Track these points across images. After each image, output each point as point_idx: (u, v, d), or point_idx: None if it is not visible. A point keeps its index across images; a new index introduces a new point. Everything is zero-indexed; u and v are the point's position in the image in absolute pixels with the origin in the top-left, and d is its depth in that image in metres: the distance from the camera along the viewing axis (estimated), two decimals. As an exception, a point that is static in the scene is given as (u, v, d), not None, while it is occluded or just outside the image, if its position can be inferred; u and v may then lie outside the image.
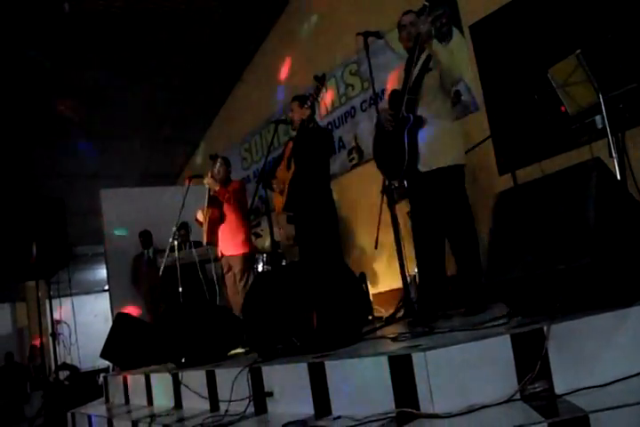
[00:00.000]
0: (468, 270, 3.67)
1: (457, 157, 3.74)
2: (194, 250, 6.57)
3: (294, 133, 4.90)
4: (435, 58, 3.64)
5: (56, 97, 8.88)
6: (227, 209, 5.87)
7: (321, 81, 4.47)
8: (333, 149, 5.00)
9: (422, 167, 3.65)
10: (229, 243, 5.86)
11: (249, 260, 5.93)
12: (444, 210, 3.69)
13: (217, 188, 5.73)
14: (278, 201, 4.89)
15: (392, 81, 3.82)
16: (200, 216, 6.03)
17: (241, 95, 9.92)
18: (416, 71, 3.64)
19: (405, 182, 3.74)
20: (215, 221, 5.92)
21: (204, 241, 6.04)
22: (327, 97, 4.55)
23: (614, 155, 3.71)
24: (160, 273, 6.17)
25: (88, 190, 9.33)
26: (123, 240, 8.64)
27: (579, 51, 3.83)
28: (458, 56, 5.66)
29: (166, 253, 6.24)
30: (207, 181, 5.81)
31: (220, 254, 5.95)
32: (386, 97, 3.92)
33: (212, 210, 5.90)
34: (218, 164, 5.92)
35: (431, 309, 3.59)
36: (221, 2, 8.01)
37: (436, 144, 3.66)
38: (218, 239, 5.92)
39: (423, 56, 3.68)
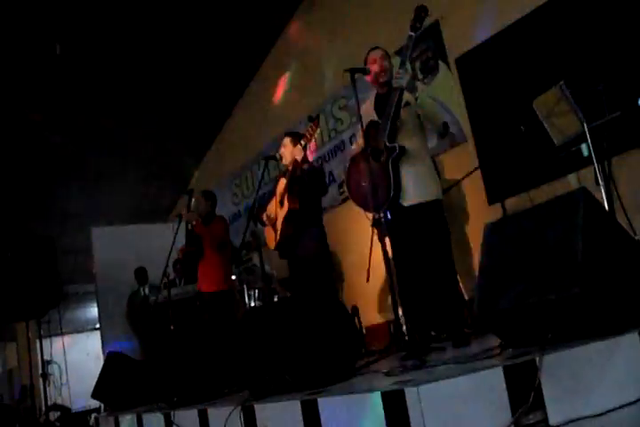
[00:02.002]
0: (449, 304, 3.66)
1: (436, 191, 3.76)
2: (182, 287, 6.54)
3: (284, 169, 4.92)
4: (419, 109, 3.69)
5: (47, 134, 8.92)
6: (206, 245, 5.84)
7: (315, 122, 4.49)
8: (327, 188, 5.01)
9: (405, 201, 3.65)
10: (208, 280, 5.82)
11: (227, 297, 5.88)
12: (425, 244, 3.69)
13: (194, 222, 5.74)
14: (270, 236, 4.88)
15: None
16: (180, 255, 6.03)
17: (232, 131, 9.99)
18: (393, 105, 3.66)
19: (388, 214, 3.70)
20: (191, 257, 5.89)
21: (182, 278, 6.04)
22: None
23: (601, 182, 3.75)
24: (151, 310, 6.14)
25: (78, 229, 9.32)
26: (114, 278, 8.59)
27: (562, 82, 3.89)
28: (444, 89, 5.76)
29: (157, 291, 6.22)
30: (185, 217, 5.81)
31: (199, 290, 5.93)
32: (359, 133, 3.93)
33: (189, 246, 5.88)
34: (194, 199, 5.93)
35: (422, 342, 3.56)
36: (211, 38, 8.11)
37: (419, 178, 3.68)
38: (196, 275, 5.90)
39: (396, 92, 3.69)
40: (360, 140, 3.94)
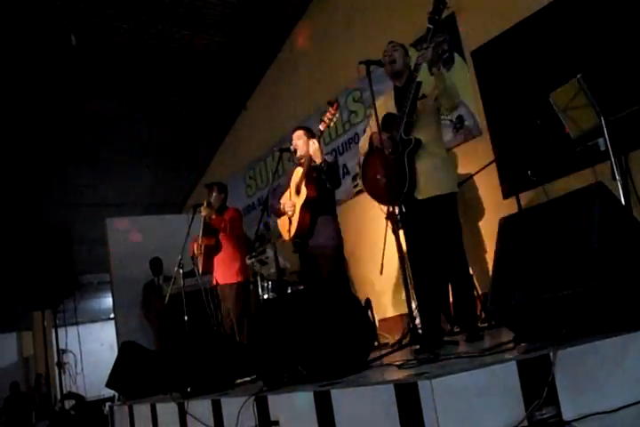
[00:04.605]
0: (463, 298, 3.66)
1: (452, 184, 3.75)
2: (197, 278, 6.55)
3: (298, 160, 4.90)
4: (439, 82, 3.67)
5: (62, 125, 8.96)
6: (222, 237, 5.87)
7: (335, 105, 4.48)
8: (340, 180, 4.98)
9: (419, 195, 3.64)
10: (224, 271, 5.85)
11: (243, 289, 5.90)
12: (438, 238, 3.68)
13: (213, 216, 5.75)
14: (285, 227, 4.88)
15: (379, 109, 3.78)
16: (195, 247, 6.04)
17: (245, 123, 9.99)
18: (410, 97, 3.65)
19: (403, 208, 3.68)
20: (211, 250, 5.92)
21: (200, 270, 6.02)
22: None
23: (618, 177, 3.72)
24: (165, 301, 6.17)
25: (93, 219, 9.38)
26: (128, 269, 8.63)
27: (579, 75, 3.86)
28: (459, 81, 5.73)
29: (171, 282, 6.24)
30: (204, 212, 5.82)
31: (214, 283, 5.95)
32: (370, 123, 3.91)
33: (208, 238, 5.90)
34: (214, 193, 5.95)
35: (436, 335, 3.56)
36: (225, 32, 8.11)
37: (434, 171, 3.67)
38: (213, 268, 5.92)
39: (414, 85, 3.68)
40: (369, 131, 3.93)
